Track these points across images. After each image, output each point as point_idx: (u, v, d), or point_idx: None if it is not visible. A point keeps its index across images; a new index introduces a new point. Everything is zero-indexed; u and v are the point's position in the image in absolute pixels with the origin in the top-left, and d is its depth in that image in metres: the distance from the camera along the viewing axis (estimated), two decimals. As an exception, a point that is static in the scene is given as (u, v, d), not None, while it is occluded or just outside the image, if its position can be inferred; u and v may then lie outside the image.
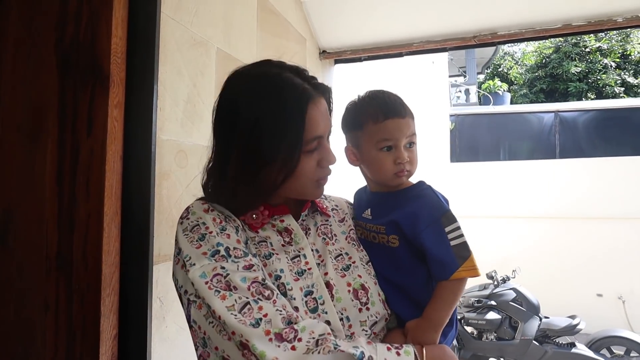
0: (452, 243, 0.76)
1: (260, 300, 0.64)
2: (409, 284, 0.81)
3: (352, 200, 0.97)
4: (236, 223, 0.74)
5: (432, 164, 5.34)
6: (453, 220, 0.78)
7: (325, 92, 0.78)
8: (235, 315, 0.62)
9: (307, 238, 0.80)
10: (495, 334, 3.45)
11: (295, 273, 0.74)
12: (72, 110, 1.04)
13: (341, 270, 0.79)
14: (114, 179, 1.03)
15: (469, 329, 3.57)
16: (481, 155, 6.41)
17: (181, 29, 1.21)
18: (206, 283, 0.64)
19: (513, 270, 3.73)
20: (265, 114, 0.71)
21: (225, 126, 0.75)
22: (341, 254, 0.82)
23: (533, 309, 3.42)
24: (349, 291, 0.76)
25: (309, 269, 0.75)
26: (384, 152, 0.82)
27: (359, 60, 2.57)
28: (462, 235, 0.77)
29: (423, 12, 2.19)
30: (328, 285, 0.75)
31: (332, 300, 0.73)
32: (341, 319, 0.73)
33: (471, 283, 3.95)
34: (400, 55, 2.48)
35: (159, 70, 1.12)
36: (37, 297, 1.06)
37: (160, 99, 1.13)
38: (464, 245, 0.76)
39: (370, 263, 0.84)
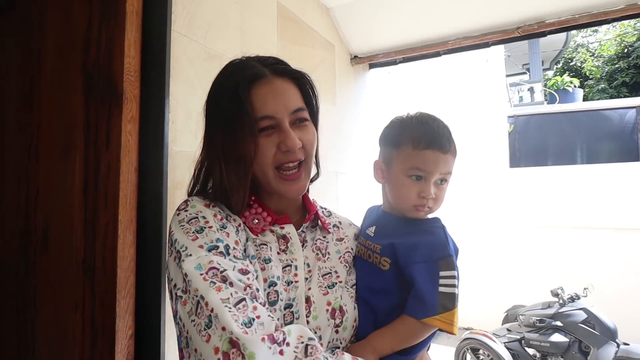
0: (441, 289, 0.72)
1: (255, 301, 0.62)
2: (382, 309, 0.78)
3: (359, 221, 0.96)
4: (237, 222, 0.74)
5: (488, 170, 5.02)
6: (452, 267, 0.74)
7: (291, 74, 0.77)
8: (230, 308, 0.58)
9: (303, 250, 0.79)
10: (561, 359, 3.11)
11: (285, 282, 0.74)
12: (94, 127, 1.14)
13: (325, 287, 0.77)
14: (129, 189, 1.10)
15: (530, 350, 3.24)
16: (549, 159, 5.89)
17: (193, 45, 1.27)
18: (201, 274, 0.62)
19: (585, 288, 3.30)
20: (220, 96, 0.75)
21: (207, 116, 0.79)
22: (330, 272, 0.80)
23: (608, 334, 3.00)
24: (327, 310, 0.74)
25: (296, 281, 0.74)
26: (411, 180, 0.79)
27: (394, 63, 2.52)
28: (454, 286, 0.73)
29: (458, 5, 2.08)
30: (307, 300, 0.74)
31: (308, 317, 0.72)
32: None
33: (533, 300, 3.61)
34: (437, 54, 2.39)
35: (172, 85, 1.19)
36: (69, 297, 1.17)
37: (172, 112, 1.19)
38: (452, 296, 0.72)
39: (354, 287, 0.82)
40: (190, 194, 0.79)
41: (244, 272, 0.65)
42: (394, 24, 2.26)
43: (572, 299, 3.28)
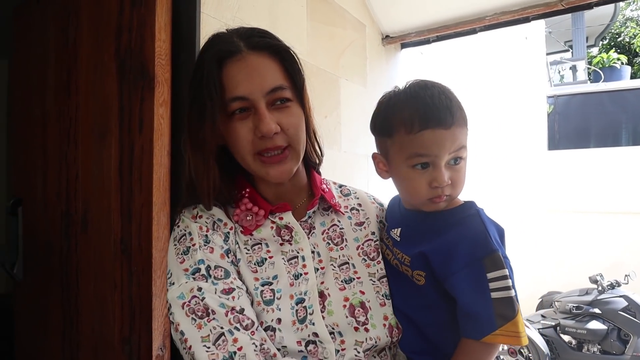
0: (494, 295, 0.60)
1: (238, 330, 0.60)
2: (427, 324, 0.69)
3: (379, 198, 0.87)
4: (227, 228, 0.70)
5: (525, 153, 4.81)
6: (500, 265, 0.61)
7: (270, 48, 0.69)
8: (209, 347, 0.58)
9: (308, 238, 0.73)
10: (599, 347, 3.02)
11: (292, 276, 0.69)
12: (128, 111, 1.16)
13: (342, 282, 0.70)
14: (162, 172, 1.12)
15: (566, 337, 3.18)
16: (591, 141, 5.59)
17: (223, 27, 1.26)
18: (183, 306, 0.62)
19: (626, 275, 3.22)
20: (193, 75, 0.72)
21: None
22: (347, 263, 0.73)
23: None
24: (344, 306, 0.68)
25: (306, 273, 0.69)
26: (417, 171, 0.66)
27: (427, 42, 2.42)
28: (509, 288, 0.60)
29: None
30: (322, 295, 0.68)
31: (323, 312, 0.67)
32: (332, 333, 0.66)
33: (568, 287, 3.51)
34: (474, 32, 2.28)
35: (202, 68, 1.18)
36: (108, 277, 1.22)
37: (203, 95, 1.18)
38: (510, 301, 0.60)
39: (384, 280, 0.74)
40: (186, 190, 0.76)
41: (227, 291, 0.63)
42: (427, 0, 2.17)
43: (612, 286, 3.21)
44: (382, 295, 0.71)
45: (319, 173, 0.82)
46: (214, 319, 0.60)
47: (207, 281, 0.63)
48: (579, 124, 5.70)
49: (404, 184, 0.69)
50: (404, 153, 0.66)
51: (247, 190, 0.73)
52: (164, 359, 1.13)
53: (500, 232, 0.66)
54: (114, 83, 1.19)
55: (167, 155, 1.14)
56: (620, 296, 3.08)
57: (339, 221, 0.77)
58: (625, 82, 6.31)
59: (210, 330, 0.59)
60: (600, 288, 3.20)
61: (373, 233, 0.78)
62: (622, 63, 6.83)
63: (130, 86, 1.15)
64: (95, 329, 1.26)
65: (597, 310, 3.10)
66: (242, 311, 0.62)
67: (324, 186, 0.80)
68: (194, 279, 0.63)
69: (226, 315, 0.61)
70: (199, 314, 0.60)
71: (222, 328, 0.59)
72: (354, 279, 0.71)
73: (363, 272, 0.73)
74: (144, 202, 1.12)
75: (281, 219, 0.72)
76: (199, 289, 0.62)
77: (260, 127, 0.65)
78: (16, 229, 1.46)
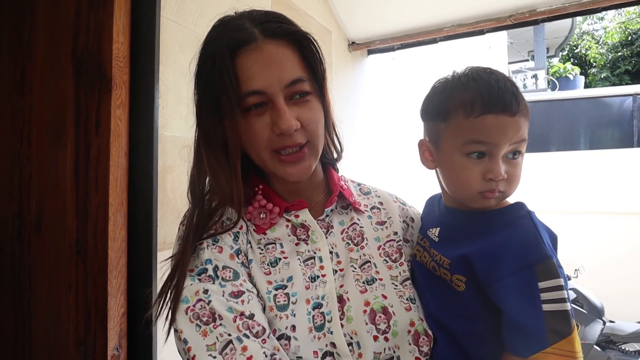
0: (546, 307, 0.53)
1: (247, 337, 0.55)
2: (467, 334, 0.62)
3: (401, 197, 0.81)
4: (236, 227, 0.64)
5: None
6: (554, 274, 0.54)
7: (288, 35, 0.62)
8: (214, 357, 0.53)
9: (326, 237, 0.68)
10: (550, 337, 3.22)
11: (308, 278, 0.63)
12: (84, 112, 1.16)
13: (363, 283, 0.64)
14: (119, 173, 1.13)
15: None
16: (553, 145, 5.90)
17: (184, 31, 1.28)
18: (187, 311, 0.56)
19: (575, 270, 3.44)
20: (201, 66, 0.63)
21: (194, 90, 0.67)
22: (368, 262, 0.67)
23: (595, 312, 3.14)
24: (364, 311, 0.62)
25: (323, 275, 0.64)
26: (471, 160, 0.59)
27: (392, 49, 2.51)
28: (563, 300, 0.53)
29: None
30: (341, 299, 0.62)
31: (342, 319, 0.61)
32: (350, 344, 0.60)
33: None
34: (434, 41, 2.38)
35: (161, 71, 1.20)
36: (63, 277, 1.20)
37: (162, 98, 1.20)
38: (565, 315, 0.53)
39: (407, 283, 0.67)
40: (191, 191, 0.67)
41: (236, 294, 0.58)
42: (391, 10, 2.25)
43: (563, 279, 3.40)
44: (407, 299, 0.65)
45: (337, 170, 0.77)
46: (220, 324, 0.55)
47: (214, 283, 0.58)
48: (540, 130, 6.01)
49: (454, 174, 0.62)
50: (459, 139, 0.60)
51: (260, 187, 0.68)
52: (120, 359, 1.14)
53: (553, 239, 0.60)
54: (70, 84, 1.18)
55: (124, 156, 1.15)
56: (570, 289, 3.29)
57: (358, 219, 0.71)
58: (580, 91, 6.71)
59: (217, 337, 0.54)
60: (550, 282, 3.41)
61: (395, 233, 0.72)
62: (576, 74, 7.25)
63: (87, 87, 1.15)
64: (49, 331, 1.24)
65: (549, 302, 3.32)
66: (252, 317, 0.57)
67: (342, 183, 0.75)
68: (199, 280, 0.58)
69: (234, 321, 0.55)
70: (205, 319, 0.55)
71: (229, 335, 0.54)
72: (376, 279, 0.65)
73: (385, 274, 0.67)
74: (100, 203, 1.12)
75: (297, 217, 0.67)
76: (205, 291, 0.57)
77: (279, 124, 0.59)
78: (-34, 230, 1.41)
